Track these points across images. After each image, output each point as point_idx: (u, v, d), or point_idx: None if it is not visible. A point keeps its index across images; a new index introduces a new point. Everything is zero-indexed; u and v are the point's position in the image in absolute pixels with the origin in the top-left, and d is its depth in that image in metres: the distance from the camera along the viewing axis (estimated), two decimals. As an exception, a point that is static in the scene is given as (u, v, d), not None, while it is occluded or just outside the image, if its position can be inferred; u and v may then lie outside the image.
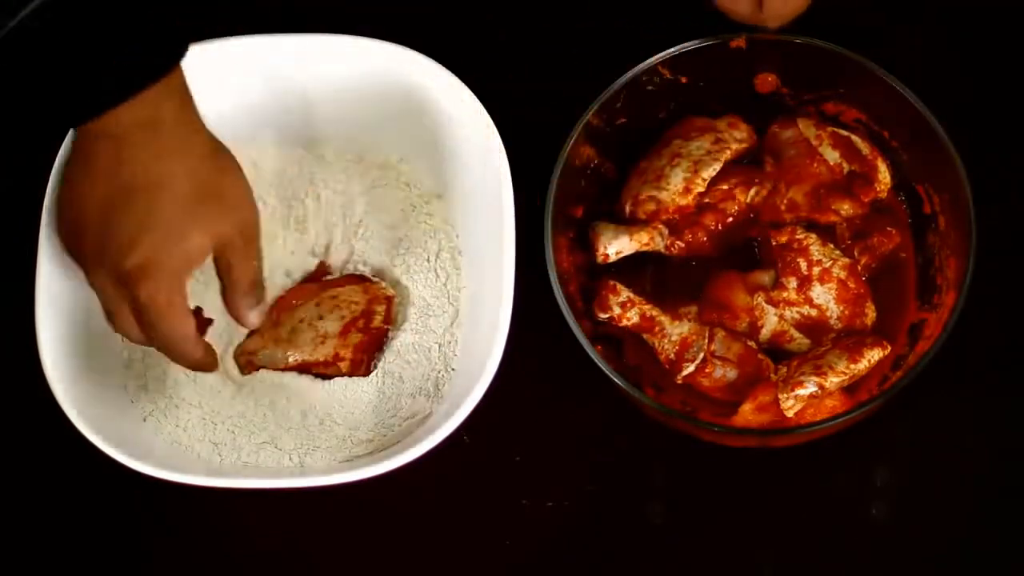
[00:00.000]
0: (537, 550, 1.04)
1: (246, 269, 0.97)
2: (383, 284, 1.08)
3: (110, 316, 0.95)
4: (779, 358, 1.02)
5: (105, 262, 0.92)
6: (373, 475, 0.97)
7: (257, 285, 0.98)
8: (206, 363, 0.99)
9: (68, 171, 0.95)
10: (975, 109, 1.10)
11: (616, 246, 1.05)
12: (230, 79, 1.08)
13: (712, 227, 1.06)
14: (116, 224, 0.91)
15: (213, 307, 1.08)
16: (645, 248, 1.06)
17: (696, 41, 1.05)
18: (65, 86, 0.86)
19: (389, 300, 1.07)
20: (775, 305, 1.03)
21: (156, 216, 0.91)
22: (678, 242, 1.06)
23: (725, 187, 1.06)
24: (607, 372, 0.98)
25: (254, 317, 0.99)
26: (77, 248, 0.95)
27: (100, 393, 1.03)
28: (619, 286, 1.04)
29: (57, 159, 1.04)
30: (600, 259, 1.05)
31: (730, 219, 1.06)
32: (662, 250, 1.06)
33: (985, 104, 1.11)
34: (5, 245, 1.10)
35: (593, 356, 0.98)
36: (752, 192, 1.06)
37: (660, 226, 1.05)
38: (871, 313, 1.03)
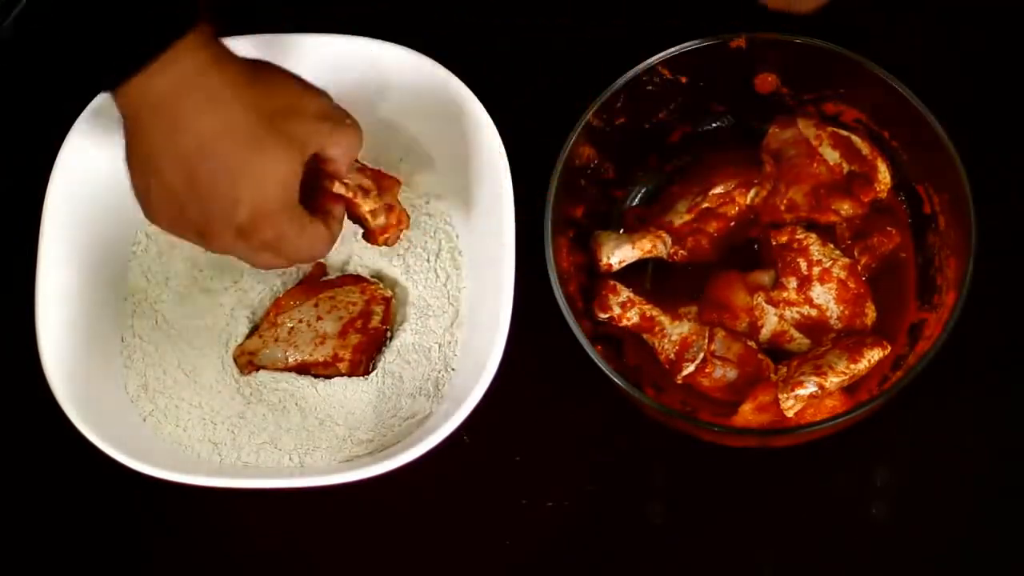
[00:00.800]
0: (537, 550, 1.04)
1: (344, 138, 0.94)
2: (381, 284, 1.08)
3: (257, 265, 0.95)
4: (779, 358, 1.02)
5: (218, 228, 0.90)
6: (373, 475, 0.97)
7: (359, 144, 0.96)
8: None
9: (132, 158, 0.91)
10: (975, 109, 1.10)
11: (619, 255, 1.05)
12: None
13: (714, 233, 1.06)
14: (206, 188, 0.89)
15: (210, 306, 1.09)
16: (648, 255, 1.06)
17: (696, 41, 1.05)
18: (90, 54, 0.85)
19: (387, 301, 1.07)
20: (775, 305, 1.03)
21: (240, 159, 0.88)
22: (680, 251, 1.06)
23: (723, 190, 1.06)
24: (607, 372, 0.98)
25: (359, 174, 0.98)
26: (182, 226, 0.92)
27: (100, 393, 1.03)
28: (619, 286, 1.04)
29: (57, 159, 1.05)
30: (603, 268, 1.05)
31: (732, 223, 1.06)
32: (665, 257, 1.06)
33: (985, 104, 1.11)
34: (5, 245, 1.10)
35: (593, 356, 0.98)
36: (752, 193, 1.06)
37: (663, 234, 1.05)
38: (871, 313, 1.03)
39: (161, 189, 0.90)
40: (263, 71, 0.92)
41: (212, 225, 0.90)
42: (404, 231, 1.03)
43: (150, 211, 0.93)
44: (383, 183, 1.02)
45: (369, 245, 1.06)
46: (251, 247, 0.92)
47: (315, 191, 0.96)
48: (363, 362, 1.06)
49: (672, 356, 1.03)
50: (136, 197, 0.93)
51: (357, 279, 1.09)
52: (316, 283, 1.09)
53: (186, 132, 0.88)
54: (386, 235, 1.02)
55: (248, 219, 0.89)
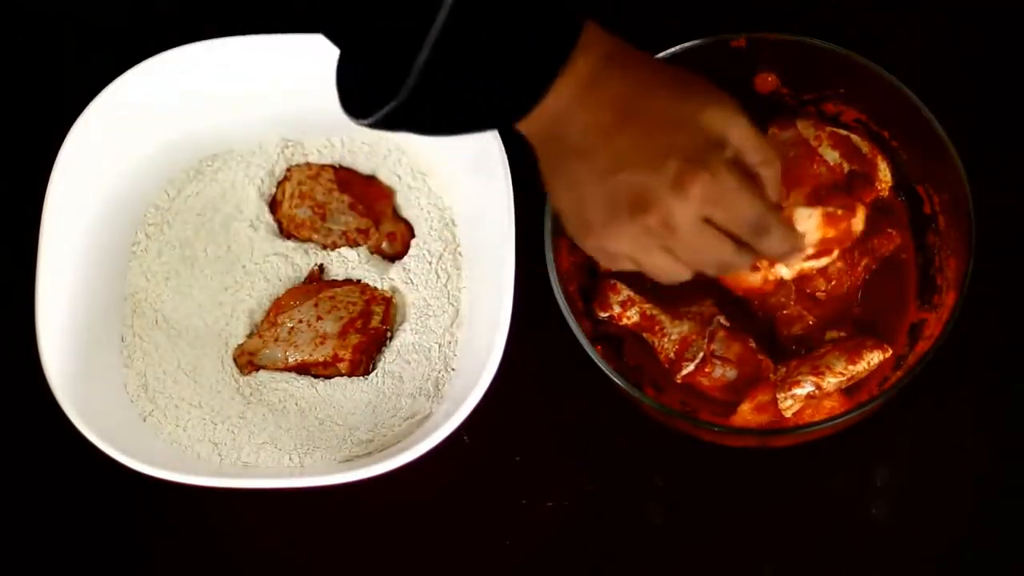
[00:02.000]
0: (537, 550, 1.04)
1: (761, 145, 0.88)
2: (382, 285, 1.08)
3: (649, 271, 0.89)
4: (779, 358, 1.02)
5: (626, 226, 0.84)
6: (373, 475, 0.97)
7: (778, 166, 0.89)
8: (787, 248, 0.89)
9: (555, 183, 0.88)
10: (975, 109, 1.10)
11: None
12: (234, 77, 1.08)
13: None
14: (636, 196, 0.84)
15: (210, 306, 1.09)
16: None
17: (696, 41, 1.05)
18: (493, 91, 0.82)
19: (387, 301, 1.07)
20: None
21: (650, 158, 0.83)
22: None
23: None
24: (607, 372, 0.98)
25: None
26: (614, 242, 0.86)
27: (100, 393, 1.03)
28: (619, 284, 1.04)
29: (57, 159, 1.05)
30: (603, 268, 1.05)
31: None
32: None
33: (985, 104, 1.11)
34: (5, 245, 1.10)
35: (593, 356, 0.98)
36: None
37: None
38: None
39: (593, 206, 0.86)
40: (664, 73, 0.88)
41: (648, 231, 0.85)
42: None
43: (579, 231, 0.88)
44: (375, 205, 1.03)
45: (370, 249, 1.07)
46: (648, 246, 0.86)
47: None
48: (363, 362, 1.06)
49: (672, 355, 1.03)
50: (560, 216, 0.89)
51: (358, 279, 1.09)
52: (317, 283, 1.09)
53: (603, 148, 0.84)
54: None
55: (676, 173, 0.83)
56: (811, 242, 0.99)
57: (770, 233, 0.87)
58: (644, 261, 0.87)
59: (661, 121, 0.85)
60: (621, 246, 0.87)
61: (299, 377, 1.06)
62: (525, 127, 0.86)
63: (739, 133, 0.86)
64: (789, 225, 0.90)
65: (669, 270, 0.88)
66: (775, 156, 0.88)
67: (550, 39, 0.82)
